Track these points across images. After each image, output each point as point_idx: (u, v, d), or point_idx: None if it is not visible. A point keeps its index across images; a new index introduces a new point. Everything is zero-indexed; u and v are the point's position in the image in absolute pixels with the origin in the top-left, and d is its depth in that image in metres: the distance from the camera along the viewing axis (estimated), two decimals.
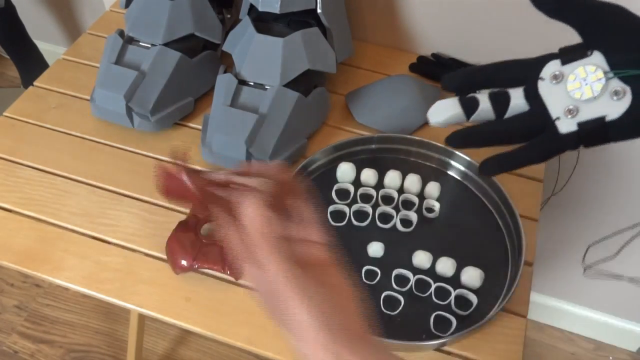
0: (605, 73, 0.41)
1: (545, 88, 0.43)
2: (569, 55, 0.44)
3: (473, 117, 0.45)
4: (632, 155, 0.95)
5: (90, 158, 0.77)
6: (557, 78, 0.43)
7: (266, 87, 0.73)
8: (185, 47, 0.78)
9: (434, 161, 0.76)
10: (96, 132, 0.80)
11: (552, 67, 0.44)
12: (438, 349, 0.60)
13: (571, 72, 0.42)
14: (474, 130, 0.45)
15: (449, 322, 0.61)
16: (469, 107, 0.45)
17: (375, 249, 0.67)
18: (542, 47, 0.91)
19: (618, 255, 1.09)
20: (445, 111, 0.45)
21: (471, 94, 0.45)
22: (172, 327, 1.36)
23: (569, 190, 0.99)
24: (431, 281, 0.64)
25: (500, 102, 0.44)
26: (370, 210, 0.70)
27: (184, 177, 0.41)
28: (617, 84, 0.40)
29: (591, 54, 0.42)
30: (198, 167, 0.41)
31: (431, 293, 0.64)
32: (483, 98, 0.45)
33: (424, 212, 0.71)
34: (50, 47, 1.65)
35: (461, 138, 0.45)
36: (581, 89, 0.41)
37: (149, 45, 0.78)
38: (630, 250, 1.07)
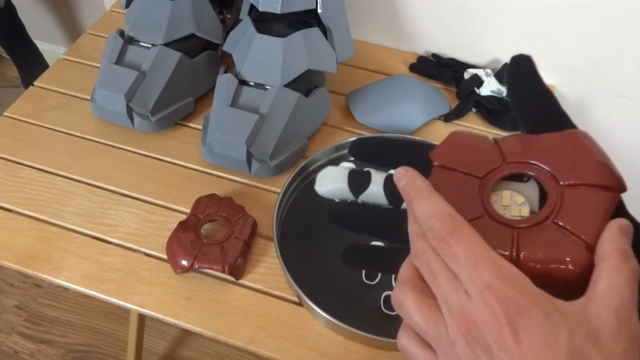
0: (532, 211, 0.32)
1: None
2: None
3: (362, 197, 0.37)
4: (633, 156, 0.95)
5: (91, 158, 0.77)
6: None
7: (266, 87, 0.73)
8: (186, 47, 0.78)
9: None
10: (96, 132, 0.80)
11: None
12: None
13: (507, 178, 0.33)
14: (349, 210, 0.38)
15: None
16: (359, 185, 0.37)
17: None
18: (542, 48, 0.92)
19: None
20: (331, 182, 0.38)
21: (368, 169, 0.38)
22: (172, 327, 1.36)
23: None
24: None
25: (397, 189, 0.35)
26: None
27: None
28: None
29: (527, 180, 0.33)
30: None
31: None
32: (378, 179, 0.37)
33: None
34: (50, 47, 1.65)
35: (336, 215, 0.38)
36: (507, 203, 0.33)
37: (150, 45, 0.78)
38: None
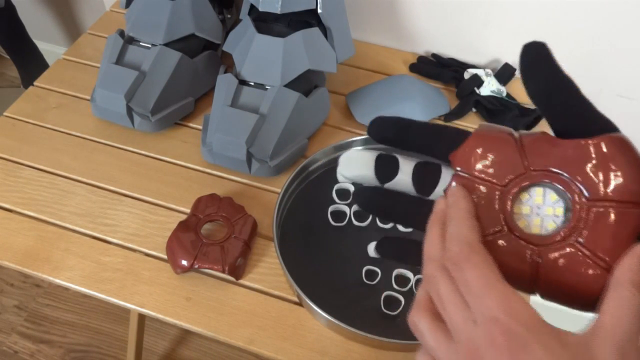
0: (566, 212, 0.30)
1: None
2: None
3: (388, 185, 0.36)
4: None
5: (91, 158, 0.77)
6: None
7: (266, 87, 0.73)
8: (186, 47, 0.78)
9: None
10: (96, 132, 0.80)
11: None
12: None
13: (528, 189, 0.32)
14: (374, 196, 0.36)
15: None
16: (386, 173, 0.36)
17: None
18: None
19: None
20: (357, 168, 0.36)
21: (395, 155, 0.36)
22: (172, 327, 1.36)
23: None
24: None
25: (426, 181, 0.35)
26: None
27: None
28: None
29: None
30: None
31: None
32: (406, 167, 0.36)
33: None
34: (50, 47, 1.65)
35: (365, 200, 0.36)
36: (529, 218, 0.31)
37: (150, 46, 0.78)
38: None
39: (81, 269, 0.65)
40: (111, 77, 0.76)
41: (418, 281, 0.64)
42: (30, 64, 1.55)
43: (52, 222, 0.70)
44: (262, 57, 0.73)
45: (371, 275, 0.65)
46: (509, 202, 0.31)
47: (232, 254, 0.63)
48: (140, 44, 0.79)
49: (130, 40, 0.79)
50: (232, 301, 0.63)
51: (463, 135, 0.34)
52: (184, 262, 0.63)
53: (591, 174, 0.29)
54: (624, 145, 0.29)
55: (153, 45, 0.77)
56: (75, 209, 0.71)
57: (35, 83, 0.86)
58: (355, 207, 0.70)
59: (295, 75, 0.72)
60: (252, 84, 0.74)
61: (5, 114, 0.82)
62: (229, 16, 0.90)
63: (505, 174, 0.32)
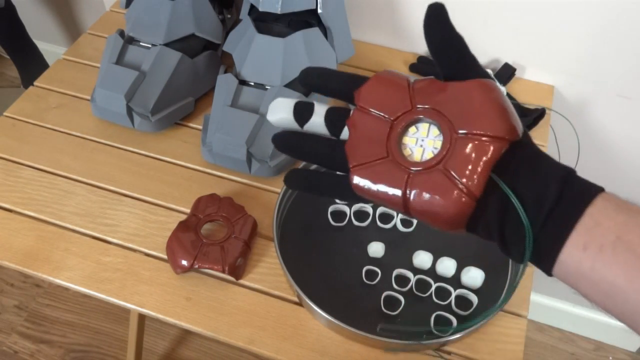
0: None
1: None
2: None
3: (306, 127, 0.40)
4: (633, 156, 0.95)
5: (91, 158, 0.77)
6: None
7: (267, 87, 0.73)
8: (186, 47, 0.78)
9: None
10: (96, 132, 0.80)
11: None
12: (438, 349, 0.60)
13: (416, 123, 0.37)
14: (290, 137, 0.41)
15: (449, 322, 0.61)
16: (302, 116, 0.40)
17: (376, 249, 0.67)
18: (543, 48, 0.91)
19: None
20: (279, 112, 0.41)
21: (313, 101, 0.41)
22: (172, 327, 1.36)
23: None
24: (432, 281, 0.64)
25: (337, 122, 0.39)
26: (370, 210, 0.71)
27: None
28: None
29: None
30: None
31: (432, 293, 0.64)
32: (320, 110, 0.40)
33: None
34: (50, 47, 1.65)
35: (281, 142, 0.41)
36: (413, 148, 0.36)
37: (150, 46, 0.78)
38: None
39: (81, 269, 0.65)
40: (111, 77, 0.76)
41: (418, 281, 0.64)
42: (30, 64, 1.55)
43: (52, 222, 0.70)
44: (262, 57, 0.73)
45: (371, 275, 0.65)
46: (396, 134, 0.36)
47: (232, 254, 0.63)
48: (140, 44, 0.79)
49: (130, 40, 0.79)
50: (232, 301, 0.63)
51: (365, 79, 0.39)
52: (184, 262, 0.63)
53: (461, 111, 0.35)
54: (490, 87, 0.35)
55: (153, 45, 0.77)
56: (75, 209, 0.71)
57: (35, 83, 0.86)
58: (355, 207, 0.70)
59: (296, 75, 0.72)
60: (252, 84, 0.74)
61: (5, 114, 0.82)
62: (229, 16, 0.90)
63: (396, 110, 0.37)
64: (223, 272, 0.63)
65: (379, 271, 0.65)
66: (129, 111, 0.75)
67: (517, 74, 0.88)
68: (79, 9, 1.52)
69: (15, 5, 1.42)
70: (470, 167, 0.33)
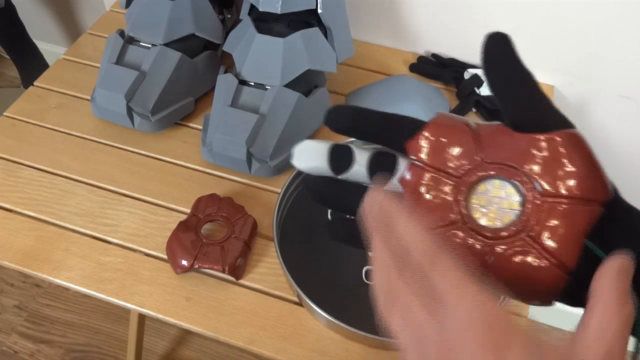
0: (521, 206, 0.30)
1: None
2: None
3: (343, 176, 0.35)
4: (633, 156, 0.95)
5: (91, 158, 0.77)
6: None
7: (267, 87, 0.73)
8: (186, 47, 0.78)
9: None
10: (96, 132, 0.80)
11: None
12: None
13: (485, 180, 0.31)
14: (327, 189, 0.35)
15: None
16: (340, 165, 0.35)
17: None
18: (543, 48, 0.92)
19: None
20: (310, 159, 0.35)
21: (350, 144, 0.35)
22: (172, 327, 1.36)
23: None
24: None
25: (382, 169, 0.34)
26: None
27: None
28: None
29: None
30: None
31: None
32: (361, 158, 0.34)
33: None
34: (50, 47, 1.65)
35: (315, 192, 0.35)
36: (485, 209, 0.31)
37: (150, 45, 0.78)
38: None
39: (81, 269, 0.65)
40: (111, 77, 0.76)
41: None
42: (30, 64, 1.55)
43: (52, 222, 0.70)
44: (262, 57, 0.73)
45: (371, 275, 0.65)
46: (463, 193, 0.31)
47: (232, 254, 0.63)
48: (140, 44, 0.79)
49: (130, 40, 0.79)
50: (232, 301, 0.63)
51: (420, 124, 0.33)
52: (184, 262, 0.63)
53: (544, 169, 0.29)
54: (578, 141, 0.30)
55: (153, 45, 0.77)
56: (75, 209, 0.71)
57: (35, 83, 0.86)
58: None
59: (295, 75, 0.72)
60: (252, 84, 0.74)
61: (5, 114, 0.82)
62: (229, 16, 0.90)
63: (461, 164, 0.31)
64: (223, 272, 0.63)
65: None
66: (129, 111, 0.75)
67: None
68: (79, 9, 1.52)
69: (15, 5, 1.42)
70: (561, 235, 0.28)
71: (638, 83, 0.85)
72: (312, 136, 0.79)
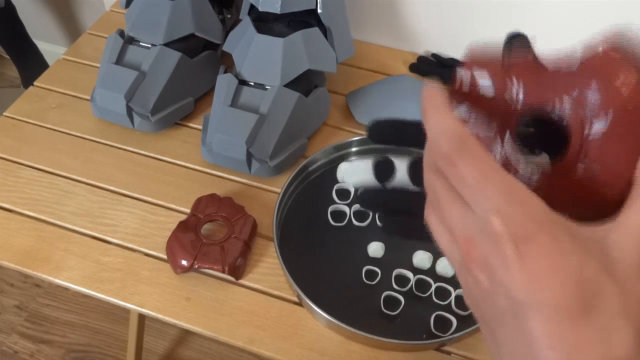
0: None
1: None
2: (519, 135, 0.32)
3: (388, 186, 0.39)
4: None
5: (91, 158, 0.77)
6: None
7: (266, 87, 0.73)
8: (186, 47, 0.78)
9: None
10: (96, 132, 0.80)
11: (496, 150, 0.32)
12: (438, 349, 0.60)
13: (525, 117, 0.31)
14: (377, 197, 0.39)
15: (449, 322, 0.61)
16: (384, 177, 0.39)
17: (376, 248, 0.67)
18: (542, 48, 0.91)
19: None
20: (356, 176, 0.40)
21: (390, 158, 0.39)
22: (172, 327, 1.36)
23: None
24: (431, 281, 0.64)
25: (421, 172, 0.35)
26: (370, 211, 0.70)
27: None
28: None
29: (540, 153, 0.31)
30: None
31: (431, 293, 0.64)
32: (402, 167, 0.38)
33: None
34: (50, 47, 1.65)
35: (367, 201, 0.39)
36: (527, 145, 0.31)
37: (149, 46, 0.78)
38: None
39: (81, 269, 0.65)
40: (111, 77, 0.76)
41: (418, 281, 0.64)
42: (30, 64, 1.55)
43: (52, 222, 0.70)
44: (262, 57, 0.73)
45: (371, 275, 0.65)
46: (507, 134, 0.31)
47: (232, 254, 0.63)
48: (140, 44, 0.79)
49: (130, 40, 0.79)
50: (232, 301, 0.63)
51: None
52: (184, 262, 0.63)
53: (590, 92, 0.29)
54: (620, 55, 0.29)
55: (153, 45, 0.77)
56: (75, 209, 0.71)
57: (35, 83, 0.86)
58: (355, 207, 0.70)
59: (295, 75, 0.72)
60: (252, 84, 0.74)
61: (5, 114, 0.82)
62: (229, 16, 0.90)
63: (504, 103, 0.31)
64: (223, 272, 0.63)
65: (378, 271, 0.65)
66: (129, 111, 0.75)
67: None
68: (79, 9, 1.52)
69: (15, 5, 1.42)
70: (625, 154, 0.27)
71: None
72: (311, 137, 0.79)
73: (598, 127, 0.28)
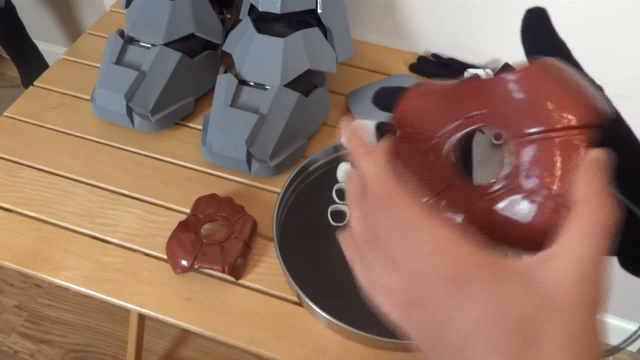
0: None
1: (481, 141, 0.30)
2: None
3: None
4: None
5: (91, 158, 0.77)
6: (500, 138, 0.29)
7: (266, 87, 0.73)
8: (186, 47, 0.78)
9: None
10: (96, 132, 0.80)
11: None
12: None
13: (466, 134, 0.31)
14: None
15: None
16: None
17: None
18: None
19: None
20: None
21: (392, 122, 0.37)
22: (172, 327, 1.36)
23: None
24: None
25: None
26: None
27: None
28: None
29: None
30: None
31: None
32: None
33: None
34: (50, 47, 1.65)
35: None
36: (473, 162, 0.31)
37: (150, 46, 0.78)
38: None
39: (81, 269, 0.65)
40: (111, 77, 0.76)
41: None
42: (30, 64, 1.55)
43: (52, 222, 0.70)
44: (262, 57, 0.73)
45: None
46: (448, 154, 0.30)
47: (232, 254, 0.63)
48: (140, 44, 0.79)
49: (130, 40, 0.79)
50: (232, 301, 0.63)
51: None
52: (184, 262, 0.63)
53: (525, 108, 0.28)
54: (548, 69, 0.28)
55: (153, 45, 0.77)
56: (75, 209, 0.71)
57: (35, 83, 0.86)
58: None
59: (295, 75, 0.72)
60: (252, 83, 0.74)
61: (5, 114, 0.82)
62: (229, 16, 0.90)
63: (439, 125, 0.30)
64: (223, 272, 0.63)
65: None
66: (129, 111, 0.75)
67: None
68: (79, 9, 1.52)
69: (15, 5, 1.42)
70: (559, 172, 0.26)
71: (638, 83, 0.85)
72: (311, 137, 0.79)
73: (535, 144, 0.27)
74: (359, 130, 0.30)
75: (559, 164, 0.26)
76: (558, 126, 0.26)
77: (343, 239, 0.32)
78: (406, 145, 0.32)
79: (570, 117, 0.26)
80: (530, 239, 0.27)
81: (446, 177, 0.30)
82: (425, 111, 0.31)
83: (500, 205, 0.28)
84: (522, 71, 0.28)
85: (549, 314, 0.23)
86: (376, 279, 0.29)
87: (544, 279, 0.24)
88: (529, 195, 0.27)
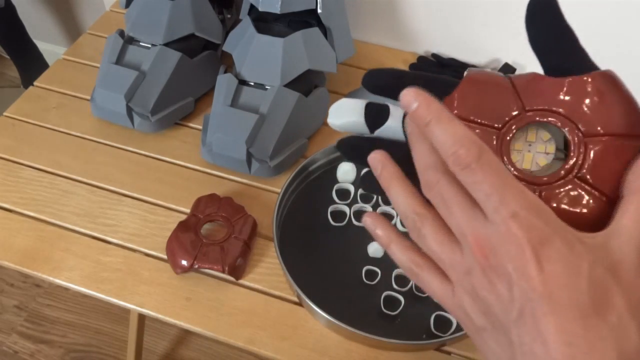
0: (557, 151, 0.32)
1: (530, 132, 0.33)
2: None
3: (378, 132, 0.35)
4: None
5: (91, 158, 0.77)
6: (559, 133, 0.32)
7: (266, 87, 0.73)
8: (186, 47, 0.78)
9: None
10: (96, 132, 0.80)
11: None
12: (438, 349, 0.60)
13: (524, 128, 0.32)
14: (363, 143, 0.36)
15: (449, 322, 0.61)
16: (376, 120, 0.35)
17: (376, 248, 0.67)
18: None
19: None
20: (346, 115, 0.35)
21: (386, 103, 0.35)
22: (172, 327, 1.36)
23: None
24: None
25: None
26: (370, 210, 0.71)
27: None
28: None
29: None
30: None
31: None
32: (397, 113, 0.35)
33: None
34: (50, 47, 1.65)
35: (349, 147, 0.36)
36: (521, 154, 0.32)
37: (149, 45, 0.78)
38: None
39: (81, 269, 0.65)
40: (111, 77, 0.76)
41: None
42: (30, 64, 1.55)
43: (52, 222, 0.70)
44: (262, 57, 0.73)
45: (371, 275, 0.65)
46: (507, 143, 0.31)
47: (232, 254, 0.63)
48: (140, 44, 0.79)
49: (130, 40, 0.79)
50: (232, 301, 0.63)
51: (455, 83, 0.34)
52: (184, 262, 0.63)
53: (585, 110, 0.30)
54: (615, 80, 0.31)
55: (153, 45, 0.77)
56: (75, 209, 0.71)
57: (35, 83, 0.86)
58: (355, 207, 0.70)
59: (295, 75, 0.72)
60: (252, 83, 0.74)
61: (5, 114, 0.82)
62: (229, 16, 0.90)
63: (501, 116, 0.32)
64: (223, 272, 0.63)
65: (378, 271, 0.65)
66: (129, 111, 0.75)
67: (517, 73, 0.88)
68: (79, 9, 1.52)
69: (15, 5, 1.42)
70: (611, 174, 0.29)
71: (638, 83, 0.85)
72: (311, 137, 0.79)
73: (592, 145, 0.30)
74: (431, 100, 0.29)
75: (617, 165, 0.29)
76: (616, 133, 0.29)
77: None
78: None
79: (627, 125, 0.29)
80: (583, 227, 0.29)
81: (504, 161, 0.31)
82: (486, 101, 0.32)
83: (560, 194, 0.30)
84: (586, 78, 0.30)
85: (615, 283, 0.26)
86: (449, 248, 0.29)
87: (609, 253, 0.26)
88: (585, 191, 0.30)
